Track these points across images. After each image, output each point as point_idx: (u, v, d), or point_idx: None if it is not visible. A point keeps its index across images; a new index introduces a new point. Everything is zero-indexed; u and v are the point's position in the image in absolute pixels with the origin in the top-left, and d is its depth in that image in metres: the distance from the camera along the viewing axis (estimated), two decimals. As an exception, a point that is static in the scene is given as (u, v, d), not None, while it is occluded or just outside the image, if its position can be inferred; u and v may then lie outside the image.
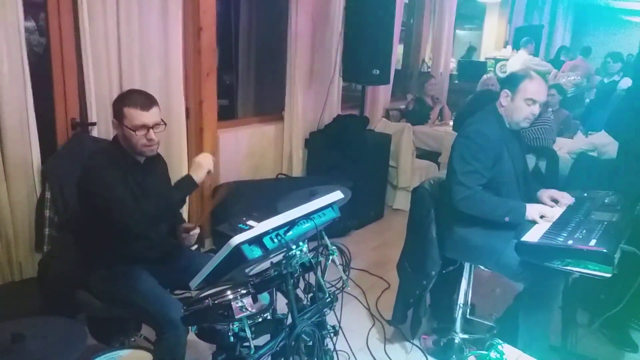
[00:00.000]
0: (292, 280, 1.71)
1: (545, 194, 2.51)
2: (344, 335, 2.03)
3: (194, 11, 3.39)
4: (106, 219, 1.95)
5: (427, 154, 5.29)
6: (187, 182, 2.05)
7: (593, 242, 2.02)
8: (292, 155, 4.40)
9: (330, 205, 1.89)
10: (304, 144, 4.49)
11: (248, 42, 5.00)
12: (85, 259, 2.13)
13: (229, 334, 1.69)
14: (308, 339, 1.73)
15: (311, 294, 1.93)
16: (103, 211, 1.95)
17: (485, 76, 6.04)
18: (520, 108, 2.38)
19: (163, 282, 2.14)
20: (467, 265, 2.62)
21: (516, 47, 8.47)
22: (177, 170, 3.27)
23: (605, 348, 2.80)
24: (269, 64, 4.90)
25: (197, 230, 2.26)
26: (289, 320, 1.76)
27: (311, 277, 1.93)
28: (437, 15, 6.49)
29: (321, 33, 4.40)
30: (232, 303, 1.62)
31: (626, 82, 6.31)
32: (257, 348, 1.67)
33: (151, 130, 2.02)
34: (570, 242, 2.06)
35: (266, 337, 1.82)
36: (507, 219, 2.30)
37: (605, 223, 2.21)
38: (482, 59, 9.12)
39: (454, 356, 2.66)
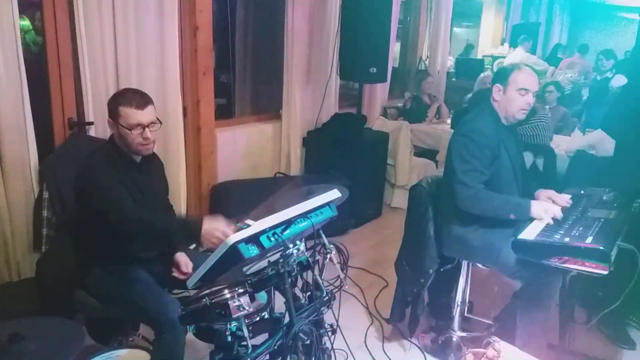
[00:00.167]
0: (289, 279, 1.72)
1: (542, 194, 2.50)
2: (342, 334, 2.03)
3: (190, 10, 3.39)
4: (103, 220, 1.94)
5: (425, 152, 5.29)
6: (193, 228, 1.88)
7: (590, 239, 2.03)
8: (290, 154, 4.40)
9: (327, 204, 1.90)
10: (302, 142, 4.49)
11: (245, 40, 5.00)
12: (83, 259, 2.13)
13: (227, 333, 1.69)
14: (306, 338, 1.73)
15: (309, 293, 1.93)
16: (100, 212, 1.94)
17: (482, 74, 6.05)
18: (514, 99, 2.37)
19: (161, 281, 2.14)
20: (464, 263, 2.63)
21: (513, 44, 8.48)
22: (175, 169, 3.28)
23: (602, 345, 2.81)
24: (266, 63, 4.90)
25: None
26: (287, 319, 1.76)
27: (309, 276, 1.93)
28: (434, 13, 6.49)
29: (318, 31, 4.40)
30: (229, 302, 1.62)
31: (618, 79, 6.32)
32: (254, 347, 1.68)
33: (147, 129, 2.01)
34: (567, 239, 2.06)
35: (265, 336, 1.82)
36: (512, 216, 2.29)
37: (602, 220, 2.21)
38: (479, 57, 9.13)
39: (452, 354, 2.67)
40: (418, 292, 2.62)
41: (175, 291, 2.24)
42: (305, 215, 1.76)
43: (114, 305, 2.08)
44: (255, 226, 1.58)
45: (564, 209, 2.36)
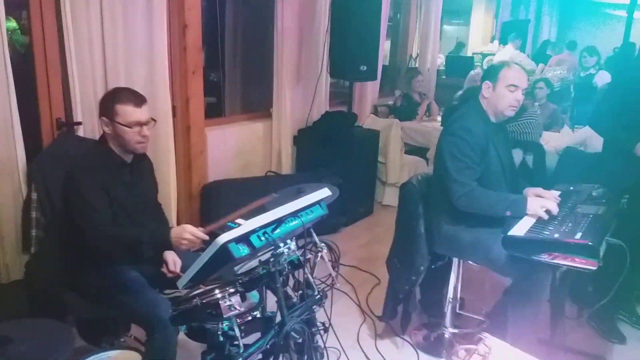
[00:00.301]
0: (280, 278, 1.71)
1: (531, 192, 2.51)
2: (334, 332, 2.03)
3: (179, 9, 3.36)
4: None
5: (416, 150, 5.31)
6: (163, 236, 1.93)
7: (579, 235, 2.04)
8: (280, 153, 4.39)
9: (317, 202, 1.89)
10: (293, 141, 4.48)
11: (234, 39, 4.98)
12: (72, 260, 2.12)
13: (218, 333, 1.69)
14: (298, 337, 1.73)
15: (300, 292, 1.93)
16: (74, 216, 1.96)
17: (472, 72, 6.07)
18: (504, 96, 2.39)
19: (152, 281, 2.13)
20: (456, 260, 2.64)
21: (503, 42, 8.52)
22: (164, 169, 3.26)
23: (593, 340, 2.83)
24: (256, 61, 4.88)
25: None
26: (279, 318, 1.76)
27: (300, 275, 1.93)
28: (424, 11, 6.50)
29: (308, 29, 4.39)
30: (220, 302, 1.62)
31: (601, 76, 6.37)
32: (246, 346, 1.67)
33: (144, 127, 2.03)
34: (556, 235, 2.08)
35: (257, 336, 1.82)
36: (508, 213, 2.30)
37: (591, 216, 2.23)
38: (469, 54, 9.17)
39: (444, 351, 2.68)
40: (409, 289, 2.63)
41: (166, 291, 2.23)
42: (295, 214, 1.76)
43: (105, 306, 2.07)
44: (245, 225, 1.57)
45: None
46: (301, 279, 1.92)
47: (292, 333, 1.69)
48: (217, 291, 1.66)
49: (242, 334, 1.70)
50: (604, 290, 2.38)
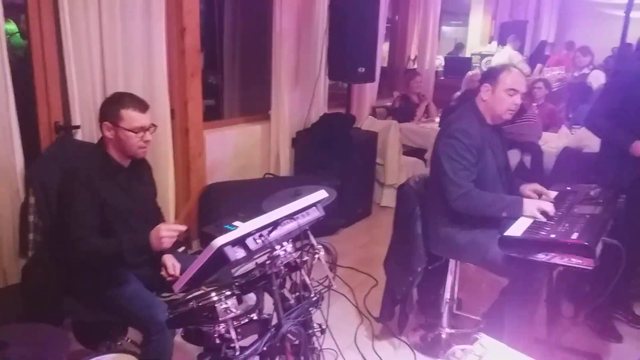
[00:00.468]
0: (277, 281, 1.72)
1: (527, 188, 2.52)
2: (331, 334, 2.03)
3: (178, 12, 3.37)
4: None
5: (414, 151, 5.31)
6: (142, 241, 1.95)
7: (575, 235, 2.04)
8: (279, 155, 4.40)
9: (314, 204, 1.90)
10: (291, 143, 4.49)
11: (233, 41, 5.00)
12: (69, 264, 2.12)
13: (215, 335, 1.69)
14: (294, 339, 1.74)
15: (297, 294, 1.93)
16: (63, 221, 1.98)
17: (470, 73, 6.08)
18: (503, 99, 2.40)
19: (149, 284, 2.13)
20: (452, 261, 2.64)
21: (502, 42, 8.53)
22: (163, 171, 3.27)
23: (589, 339, 2.84)
24: (255, 64, 4.90)
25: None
26: (275, 321, 1.77)
27: (298, 277, 1.94)
28: (422, 12, 6.52)
29: (306, 32, 4.40)
30: (216, 305, 1.62)
31: (594, 75, 6.38)
32: (242, 349, 1.68)
33: (147, 132, 2.06)
34: (553, 235, 2.08)
35: (255, 337, 1.82)
36: (504, 214, 2.31)
37: (588, 216, 2.23)
38: (468, 55, 9.18)
39: (441, 351, 2.68)
40: (407, 290, 2.63)
41: (164, 294, 2.24)
42: (291, 216, 1.77)
43: (102, 310, 2.07)
44: (241, 228, 1.58)
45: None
46: (298, 281, 1.93)
47: (289, 335, 1.70)
48: (213, 294, 1.67)
49: (239, 337, 1.70)
50: (601, 290, 2.38)
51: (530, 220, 2.25)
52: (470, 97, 2.60)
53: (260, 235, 1.64)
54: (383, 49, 6.10)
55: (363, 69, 4.24)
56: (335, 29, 4.20)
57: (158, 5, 3.09)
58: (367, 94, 5.43)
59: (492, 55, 8.14)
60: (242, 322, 1.78)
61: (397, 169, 4.89)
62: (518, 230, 2.18)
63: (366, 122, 5.23)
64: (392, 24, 6.56)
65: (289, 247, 1.78)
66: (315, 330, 1.93)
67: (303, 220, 1.81)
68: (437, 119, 5.46)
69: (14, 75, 2.53)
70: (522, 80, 2.44)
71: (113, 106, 2.04)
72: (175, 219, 3.30)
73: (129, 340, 2.32)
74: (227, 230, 1.65)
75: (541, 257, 2.07)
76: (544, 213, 2.25)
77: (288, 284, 2.03)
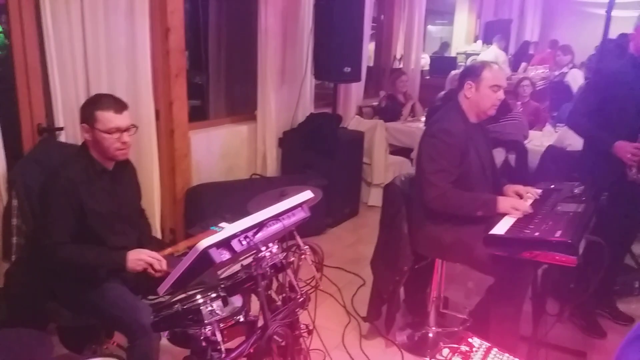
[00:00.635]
0: (263, 282, 1.72)
1: (510, 189, 2.55)
2: (319, 334, 2.03)
3: (162, 12, 3.35)
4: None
5: (400, 150, 5.33)
6: (119, 259, 1.98)
7: (559, 233, 2.07)
8: (265, 155, 4.39)
9: (299, 205, 1.90)
10: (278, 143, 4.48)
11: (218, 41, 4.97)
12: (52, 267, 2.10)
13: (201, 338, 1.69)
14: (281, 340, 1.73)
15: (284, 295, 1.93)
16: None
17: (453, 72, 6.12)
18: (487, 96, 2.42)
19: (134, 288, 2.11)
20: (439, 260, 2.65)
21: (487, 41, 8.59)
22: (148, 173, 3.24)
23: (574, 336, 2.87)
24: (240, 64, 4.88)
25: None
26: (262, 322, 1.76)
27: (284, 278, 1.93)
28: (407, 11, 6.54)
29: (291, 31, 4.40)
30: (201, 308, 1.61)
31: (572, 75, 6.44)
32: (228, 351, 1.67)
33: (124, 133, 2.02)
34: (537, 233, 2.10)
35: (242, 340, 1.82)
36: (479, 213, 2.34)
37: (571, 214, 2.26)
38: (453, 54, 9.23)
39: (428, 350, 2.70)
40: (393, 289, 2.64)
41: (149, 297, 2.22)
42: (277, 217, 1.76)
43: (85, 314, 2.05)
44: (225, 230, 1.57)
45: (535, 203, 2.41)
46: (285, 282, 1.93)
47: (275, 337, 1.69)
48: (198, 296, 1.66)
49: (225, 339, 1.70)
50: (585, 287, 2.41)
51: (515, 219, 2.27)
52: (454, 96, 2.62)
53: (246, 237, 1.63)
54: (369, 48, 6.11)
55: (349, 69, 4.24)
56: (320, 28, 4.19)
57: (142, 5, 3.06)
58: (354, 93, 5.43)
59: (477, 54, 8.20)
60: (228, 324, 1.78)
61: (383, 168, 4.91)
62: (502, 229, 2.20)
63: (353, 122, 5.24)
64: (377, 24, 6.58)
65: (274, 248, 1.77)
66: (302, 331, 1.92)
67: (288, 221, 1.80)
68: (423, 118, 5.48)
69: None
70: (503, 75, 2.49)
71: (90, 108, 2.01)
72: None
73: (115, 344, 2.31)
74: (213, 232, 1.64)
75: (525, 255, 2.09)
76: (518, 211, 2.28)
77: (275, 285, 2.02)
